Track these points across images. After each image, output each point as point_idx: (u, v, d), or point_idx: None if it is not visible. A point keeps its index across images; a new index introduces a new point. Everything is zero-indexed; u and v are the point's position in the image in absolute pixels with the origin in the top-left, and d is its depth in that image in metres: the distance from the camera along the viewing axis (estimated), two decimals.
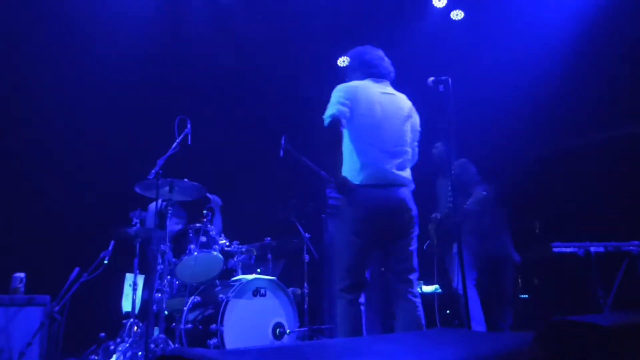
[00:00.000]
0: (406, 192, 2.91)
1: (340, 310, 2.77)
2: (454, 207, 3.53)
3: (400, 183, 2.88)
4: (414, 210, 2.92)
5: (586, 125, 6.23)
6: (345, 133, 2.88)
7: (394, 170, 2.87)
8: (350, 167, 2.86)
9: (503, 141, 6.69)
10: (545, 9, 5.84)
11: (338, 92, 2.92)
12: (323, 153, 2.90)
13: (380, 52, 3.14)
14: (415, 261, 2.90)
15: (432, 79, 3.06)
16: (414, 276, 2.87)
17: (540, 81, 5.90)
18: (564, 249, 4.32)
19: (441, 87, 3.01)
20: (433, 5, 6.31)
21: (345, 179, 2.81)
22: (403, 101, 3.07)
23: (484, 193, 4.32)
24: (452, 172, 4.20)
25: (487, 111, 6.13)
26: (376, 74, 3.05)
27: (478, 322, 4.06)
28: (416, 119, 3.12)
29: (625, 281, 4.15)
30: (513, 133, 6.54)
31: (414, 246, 2.91)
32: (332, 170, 2.86)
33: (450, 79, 2.99)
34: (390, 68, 3.12)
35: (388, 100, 2.97)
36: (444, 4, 6.29)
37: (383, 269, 2.93)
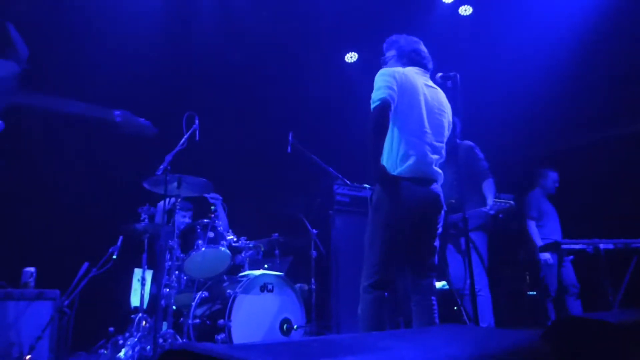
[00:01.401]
0: (440, 188, 2.86)
1: (365, 307, 2.66)
2: (460, 198, 3.34)
3: (437, 178, 2.84)
4: (444, 207, 2.90)
5: (596, 122, 6.18)
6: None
7: (433, 166, 2.82)
8: (390, 156, 2.76)
9: (511, 137, 6.65)
10: (554, 5, 5.79)
11: (385, 77, 2.75)
12: (367, 138, 2.69)
13: (422, 44, 3.07)
14: (437, 257, 2.87)
15: (440, 74, 3.03)
16: (434, 273, 2.84)
17: (549, 77, 5.86)
18: (572, 246, 4.30)
19: (449, 83, 2.98)
20: (441, 0, 6.28)
21: (384, 169, 2.71)
22: (443, 96, 3.00)
23: (512, 203, 3.95)
24: (457, 156, 4.06)
25: (496, 107, 6.10)
26: (421, 64, 2.98)
27: (487, 322, 4.03)
28: (451, 117, 3.04)
29: (635, 278, 4.12)
30: (521, 129, 6.51)
31: (437, 242, 2.86)
32: (373, 158, 2.68)
33: (458, 75, 2.96)
34: (431, 62, 3.04)
35: (431, 93, 2.90)
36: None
37: (404, 265, 2.84)
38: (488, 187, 4.16)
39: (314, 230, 4.64)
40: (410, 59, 2.98)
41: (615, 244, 4.20)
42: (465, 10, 6.33)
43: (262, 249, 4.55)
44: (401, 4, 6.08)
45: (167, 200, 3.84)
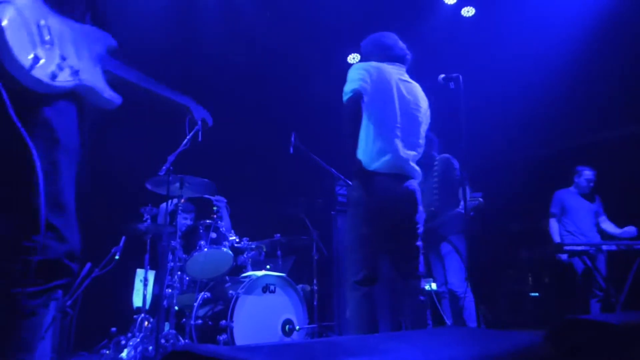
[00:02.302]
0: (416, 185, 2.84)
1: (354, 304, 2.64)
2: (439, 205, 3.39)
3: (414, 175, 2.81)
4: (422, 205, 2.88)
5: (598, 124, 6.17)
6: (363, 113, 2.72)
7: (410, 162, 2.79)
8: (365, 151, 2.74)
9: (514, 139, 6.64)
10: (556, 6, 5.78)
11: (358, 70, 2.75)
12: (343, 131, 2.67)
13: (395, 36, 3.03)
14: (422, 257, 2.85)
15: (442, 76, 3.03)
16: (421, 273, 2.82)
17: (551, 78, 5.85)
18: (575, 248, 4.29)
19: (452, 85, 2.98)
20: (444, 1, 6.28)
21: (360, 164, 2.67)
22: (420, 92, 2.96)
23: (481, 200, 4.06)
24: (435, 167, 4.21)
25: (498, 108, 6.10)
26: (392, 57, 2.93)
27: (472, 321, 4.05)
28: (429, 112, 3.01)
29: (637, 280, 4.12)
30: (524, 131, 6.50)
31: (419, 242, 2.84)
32: (349, 152, 2.66)
33: (461, 76, 2.96)
34: (406, 50, 2.99)
35: (407, 88, 2.87)
36: (455, 1, 6.25)
37: (389, 265, 2.83)
38: (462, 194, 4.30)
39: (316, 231, 4.64)
40: (378, 54, 2.94)
41: (618, 245, 4.20)
42: (468, 11, 6.32)
43: (264, 249, 4.55)
44: (403, 5, 6.07)
45: (170, 201, 3.85)
